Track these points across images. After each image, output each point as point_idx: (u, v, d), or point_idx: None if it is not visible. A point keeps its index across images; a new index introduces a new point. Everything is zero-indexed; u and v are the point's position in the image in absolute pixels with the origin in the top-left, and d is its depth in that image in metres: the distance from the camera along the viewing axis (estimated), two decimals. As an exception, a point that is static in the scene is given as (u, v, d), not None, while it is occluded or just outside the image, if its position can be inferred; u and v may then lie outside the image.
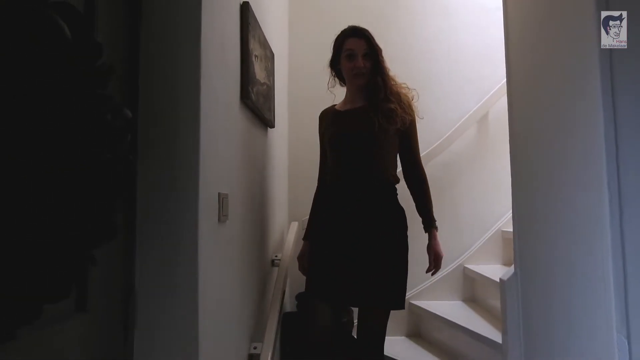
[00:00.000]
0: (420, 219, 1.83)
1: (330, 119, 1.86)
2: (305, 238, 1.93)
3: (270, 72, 2.06)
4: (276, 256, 2.26)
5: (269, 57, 2.04)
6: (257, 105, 1.73)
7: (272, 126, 2.18)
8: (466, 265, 2.81)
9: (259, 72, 1.76)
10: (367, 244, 1.67)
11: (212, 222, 1.22)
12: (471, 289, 2.84)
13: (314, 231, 1.85)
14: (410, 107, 1.79)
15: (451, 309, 2.65)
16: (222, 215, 1.29)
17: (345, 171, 1.75)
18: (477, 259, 2.83)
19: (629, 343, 1.02)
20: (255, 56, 1.70)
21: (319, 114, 1.98)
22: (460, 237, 2.89)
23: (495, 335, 2.11)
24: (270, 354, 1.58)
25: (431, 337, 2.68)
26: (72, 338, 0.89)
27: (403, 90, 1.81)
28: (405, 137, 1.79)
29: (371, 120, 1.70)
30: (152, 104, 1.10)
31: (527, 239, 1.60)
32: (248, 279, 1.69)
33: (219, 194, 1.27)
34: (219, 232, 1.28)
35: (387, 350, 2.49)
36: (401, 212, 1.76)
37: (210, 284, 1.19)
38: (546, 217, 1.43)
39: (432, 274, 1.85)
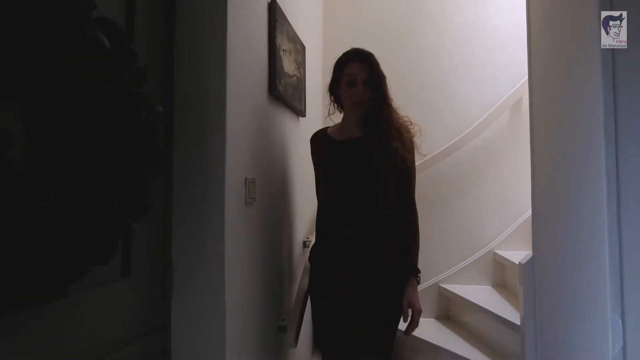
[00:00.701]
0: (408, 262, 1.64)
1: (326, 148, 1.73)
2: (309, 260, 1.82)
3: (300, 64, 2.17)
4: (307, 238, 2.39)
5: (299, 50, 2.15)
6: (285, 96, 1.85)
7: (304, 115, 2.30)
8: (496, 251, 2.84)
9: (287, 65, 1.88)
10: (363, 300, 1.59)
11: (239, 204, 1.36)
12: (501, 274, 2.87)
13: (317, 254, 1.76)
14: (412, 145, 1.66)
15: (480, 293, 2.69)
16: (248, 197, 1.43)
17: (338, 215, 1.65)
18: (508, 245, 2.85)
19: (622, 322, 1.07)
20: (284, 50, 1.82)
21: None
22: (491, 223, 2.92)
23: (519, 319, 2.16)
24: (296, 326, 1.72)
25: (460, 320, 2.74)
26: (120, 299, 1.06)
27: (406, 125, 1.68)
28: (402, 177, 1.64)
29: (370, 156, 1.59)
30: (184, 99, 1.25)
31: (542, 224, 1.64)
32: (277, 256, 1.83)
33: (245, 178, 1.41)
34: (246, 214, 1.42)
35: (417, 332, 2.59)
36: (399, 257, 1.64)
37: (237, 259, 1.33)
38: (557, 203, 1.47)
39: (406, 331, 1.64)
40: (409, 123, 1.70)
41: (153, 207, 0.96)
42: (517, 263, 2.34)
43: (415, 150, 1.68)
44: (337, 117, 1.83)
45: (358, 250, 1.60)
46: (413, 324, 1.61)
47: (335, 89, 1.72)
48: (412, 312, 1.59)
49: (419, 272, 1.63)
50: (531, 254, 1.73)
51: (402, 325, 1.65)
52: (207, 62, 1.26)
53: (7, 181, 0.63)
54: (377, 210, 1.61)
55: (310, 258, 1.78)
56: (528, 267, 1.70)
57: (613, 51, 1.11)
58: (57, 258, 0.70)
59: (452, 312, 2.83)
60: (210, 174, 1.24)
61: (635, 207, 1.08)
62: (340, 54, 3.10)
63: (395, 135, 1.61)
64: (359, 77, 1.62)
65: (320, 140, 1.79)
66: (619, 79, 1.10)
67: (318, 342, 1.74)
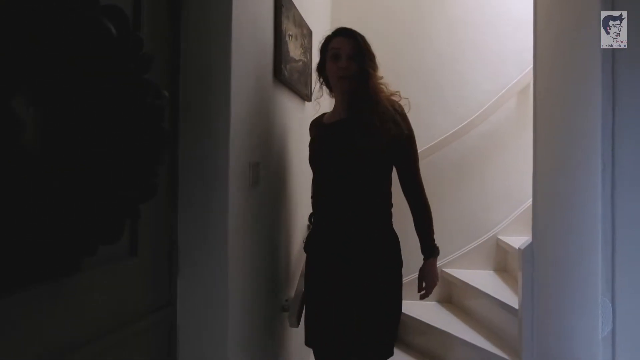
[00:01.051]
0: (419, 243, 1.63)
1: (315, 132, 1.71)
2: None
3: (306, 49, 2.19)
4: (312, 220, 2.43)
5: (306, 34, 2.16)
6: (291, 81, 1.88)
7: (309, 100, 2.32)
8: (499, 237, 2.86)
9: (293, 50, 1.90)
10: (358, 292, 1.52)
11: (243, 187, 1.40)
12: (504, 259, 2.90)
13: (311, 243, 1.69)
14: (405, 119, 1.56)
15: (482, 278, 2.73)
16: (252, 181, 1.46)
17: (329, 202, 1.59)
18: (511, 231, 2.87)
19: (613, 306, 1.11)
20: (290, 35, 1.84)
21: None
22: (496, 209, 2.94)
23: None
24: (298, 306, 1.77)
25: (461, 304, 2.79)
26: (128, 277, 1.11)
27: (395, 101, 1.58)
28: (400, 154, 1.56)
29: (352, 137, 1.50)
30: (190, 84, 1.28)
31: (542, 211, 1.66)
32: (282, 237, 1.87)
33: (249, 162, 1.44)
34: (250, 196, 1.46)
35: (420, 315, 2.64)
36: (394, 248, 1.58)
37: (241, 239, 1.38)
38: (555, 191, 1.49)
39: (421, 298, 1.66)
40: (399, 97, 1.60)
41: (159, 190, 1.00)
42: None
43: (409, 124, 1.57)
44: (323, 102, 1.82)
45: (352, 238, 1.54)
46: (428, 294, 1.64)
47: (323, 70, 1.66)
48: (430, 286, 1.62)
49: (437, 247, 1.62)
50: (530, 240, 1.76)
51: (415, 296, 1.69)
52: (212, 47, 1.28)
53: (22, 163, 0.67)
54: (369, 195, 1.55)
55: (305, 247, 1.73)
56: (527, 253, 1.73)
57: (613, 53, 1.12)
58: (69, 235, 0.75)
59: (454, 295, 2.88)
60: (215, 157, 1.28)
61: (629, 196, 1.10)
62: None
63: (382, 111, 1.50)
64: (343, 51, 1.55)
65: (313, 127, 1.77)
66: (618, 70, 1.11)
67: (310, 339, 1.63)
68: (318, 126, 1.71)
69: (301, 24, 2.06)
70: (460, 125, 2.90)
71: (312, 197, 1.73)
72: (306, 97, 2.23)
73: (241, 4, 1.35)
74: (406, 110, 1.59)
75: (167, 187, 1.26)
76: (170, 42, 1.26)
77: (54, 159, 0.80)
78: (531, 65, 2.86)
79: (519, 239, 2.78)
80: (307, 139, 2.41)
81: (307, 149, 2.37)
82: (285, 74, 1.77)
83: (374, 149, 1.50)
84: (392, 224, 1.60)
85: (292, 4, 1.88)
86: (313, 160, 1.66)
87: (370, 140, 1.48)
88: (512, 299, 2.31)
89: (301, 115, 2.24)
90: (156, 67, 1.09)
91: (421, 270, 1.63)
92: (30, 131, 0.71)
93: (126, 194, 0.90)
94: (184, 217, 1.29)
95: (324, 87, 1.73)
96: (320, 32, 2.73)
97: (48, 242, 0.72)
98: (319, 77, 1.71)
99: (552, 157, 1.56)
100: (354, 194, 1.54)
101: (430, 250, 1.61)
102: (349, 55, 1.54)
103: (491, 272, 2.88)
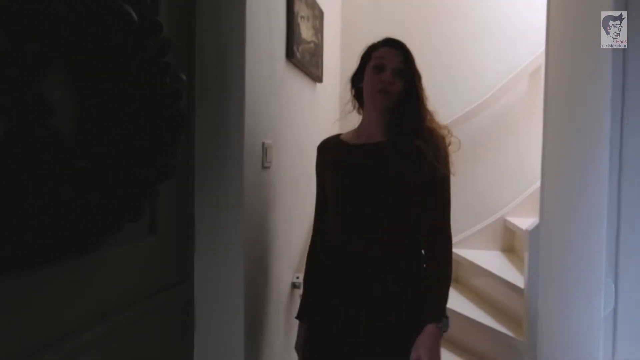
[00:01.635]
0: (427, 303, 1.27)
1: (334, 154, 1.40)
2: (299, 317, 1.46)
3: (318, 30, 2.20)
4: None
5: (317, 15, 2.17)
6: (303, 62, 1.89)
7: (321, 81, 2.34)
8: (507, 218, 2.89)
9: (305, 31, 1.91)
10: (377, 345, 1.27)
11: (256, 168, 1.44)
12: (511, 240, 2.94)
13: (312, 308, 1.43)
14: (446, 158, 1.30)
15: (489, 258, 2.77)
16: (265, 162, 1.50)
17: (350, 235, 1.33)
18: (519, 212, 2.89)
19: (615, 286, 1.14)
20: (302, 17, 1.85)
21: None
22: (504, 190, 2.95)
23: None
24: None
25: (468, 283, 2.84)
26: (147, 254, 1.16)
27: (441, 134, 1.33)
28: (431, 194, 1.29)
29: (390, 163, 1.27)
30: (205, 67, 1.31)
31: (550, 193, 1.69)
32: (293, 217, 1.92)
33: (262, 143, 1.48)
34: (263, 177, 1.50)
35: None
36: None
37: (255, 218, 1.43)
38: (563, 174, 1.51)
39: None
40: (447, 132, 1.34)
41: (176, 171, 1.04)
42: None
43: (450, 166, 1.32)
44: (351, 123, 1.49)
45: (382, 296, 1.28)
46: None
47: (358, 81, 1.39)
48: None
49: (446, 317, 1.25)
50: (538, 222, 1.79)
51: None
52: (227, 31, 1.31)
53: (51, 145, 0.71)
54: (409, 240, 1.32)
55: (303, 313, 1.45)
56: (533, 234, 1.76)
57: (628, 26, 1.13)
58: (97, 213, 0.79)
59: (461, 275, 2.93)
60: (230, 137, 1.31)
61: (636, 180, 1.12)
62: (359, 18, 3.11)
63: (424, 136, 1.28)
64: (389, 63, 1.30)
65: (328, 148, 1.45)
66: (628, 57, 1.12)
67: None
68: (338, 147, 1.40)
69: (313, 5, 2.06)
70: (471, 107, 2.90)
71: (316, 222, 1.49)
72: (317, 78, 2.25)
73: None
74: (455, 150, 1.34)
75: (184, 167, 1.30)
76: (186, 25, 1.28)
77: (82, 140, 0.84)
78: (543, 47, 2.86)
79: (526, 220, 2.81)
80: (319, 119, 2.45)
81: (318, 130, 2.40)
82: (297, 56, 1.79)
83: (419, 180, 1.26)
84: (423, 269, 1.34)
85: (305, -15, 1.88)
86: (336, 188, 1.36)
87: (416, 166, 1.24)
88: (518, 279, 2.35)
89: (312, 97, 2.26)
90: (173, 50, 1.12)
91: (419, 341, 1.23)
92: (60, 113, 0.75)
93: (146, 173, 0.94)
94: (200, 196, 1.33)
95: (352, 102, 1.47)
96: (332, 12, 2.74)
97: (77, 219, 0.77)
98: (352, 89, 1.44)
99: (561, 140, 1.58)
100: (391, 236, 1.30)
101: (437, 315, 1.24)
102: (394, 69, 1.30)
103: (498, 252, 2.92)
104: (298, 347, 1.46)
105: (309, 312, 1.43)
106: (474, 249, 2.92)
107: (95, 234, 0.87)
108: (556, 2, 1.70)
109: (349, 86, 1.45)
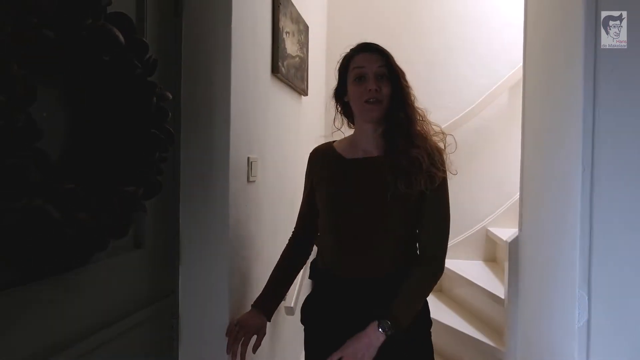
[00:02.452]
0: (392, 308, 1.18)
1: (330, 168, 1.33)
2: (255, 304, 1.37)
3: (303, 44, 2.23)
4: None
5: (302, 30, 2.21)
6: (288, 77, 1.93)
7: (306, 94, 2.37)
8: (489, 228, 2.95)
9: (290, 46, 1.94)
10: None
11: (241, 182, 1.45)
12: (493, 250, 2.99)
13: (269, 303, 1.38)
14: (442, 160, 1.27)
15: (471, 268, 2.82)
16: (251, 176, 1.52)
17: (344, 257, 1.27)
18: (500, 223, 2.95)
19: (588, 298, 1.18)
20: (287, 32, 1.88)
21: None
22: (486, 201, 3.01)
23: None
24: (294, 299, 1.85)
25: (451, 293, 2.88)
26: (133, 269, 1.17)
27: (434, 136, 1.30)
28: (428, 199, 1.24)
29: (387, 185, 1.20)
30: (191, 84, 1.33)
31: (528, 205, 1.74)
32: (278, 230, 1.94)
33: (248, 158, 1.50)
34: (248, 191, 1.52)
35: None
36: (424, 312, 1.28)
37: (240, 231, 1.44)
38: (540, 187, 1.56)
39: None
40: (441, 134, 1.32)
41: (163, 186, 1.06)
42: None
43: (448, 167, 1.29)
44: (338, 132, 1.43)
45: (376, 305, 1.19)
46: None
47: (342, 95, 1.33)
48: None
49: (396, 327, 1.15)
50: (517, 233, 1.83)
51: None
52: (213, 48, 1.33)
53: (38, 166, 0.73)
54: (405, 252, 1.26)
55: (305, 315, 1.40)
56: (513, 245, 1.81)
57: (595, 46, 1.18)
58: (83, 232, 0.80)
59: (444, 285, 2.97)
60: (216, 152, 1.33)
61: (607, 196, 1.17)
62: (344, 32, 3.16)
63: (419, 144, 1.23)
64: (370, 70, 1.23)
65: (321, 157, 1.37)
66: (599, 74, 1.17)
67: None
68: (334, 161, 1.32)
69: (298, 20, 2.10)
70: (453, 120, 2.97)
71: (297, 229, 1.47)
72: (302, 91, 2.28)
73: (241, 4, 1.39)
74: (451, 151, 1.32)
75: (170, 181, 1.31)
76: (172, 44, 1.31)
77: (71, 159, 0.85)
78: (522, 62, 2.94)
79: (508, 231, 2.87)
80: (304, 133, 2.48)
81: (304, 143, 2.43)
82: (282, 71, 1.82)
83: (415, 193, 1.21)
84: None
85: (289, 0, 1.92)
86: (332, 208, 1.29)
87: (411, 182, 1.19)
88: (499, 289, 2.39)
89: (298, 110, 2.29)
90: (159, 69, 1.14)
91: (356, 337, 1.15)
92: (48, 133, 0.76)
93: (134, 191, 0.95)
94: (186, 210, 1.35)
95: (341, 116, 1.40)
96: (317, 25, 2.78)
97: (64, 238, 0.78)
98: (336, 105, 1.37)
99: (538, 153, 1.63)
100: (387, 250, 1.25)
101: (392, 318, 1.15)
102: (376, 74, 1.23)
103: (481, 262, 2.97)
104: (235, 323, 1.33)
105: (265, 305, 1.36)
106: (457, 259, 2.96)
107: (82, 252, 0.88)
108: (532, 19, 1.77)
109: (333, 102, 1.38)
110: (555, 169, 1.42)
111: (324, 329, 1.30)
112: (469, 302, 2.69)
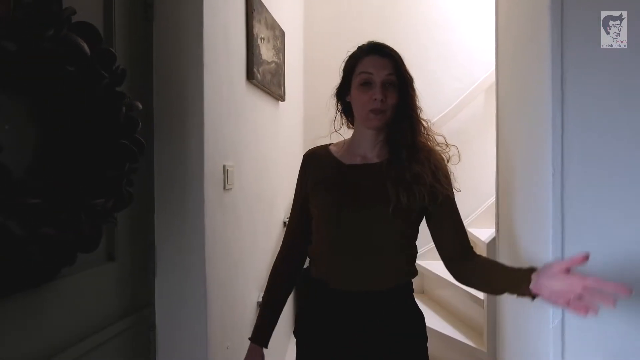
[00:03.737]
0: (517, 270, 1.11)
1: (325, 170, 1.25)
2: (254, 339, 1.28)
3: (279, 50, 2.23)
4: (288, 218, 2.49)
5: (278, 36, 2.20)
6: (264, 83, 1.92)
7: (283, 99, 2.37)
8: (469, 229, 2.97)
9: (265, 52, 1.94)
10: None
11: (217, 190, 1.44)
12: (473, 251, 3.02)
13: (267, 333, 1.29)
14: (446, 175, 1.22)
15: (452, 269, 2.84)
16: (227, 184, 1.51)
17: (340, 268, 1.19)
18: (480, 224, 2.99)
19: (562, 297, 1.20)
20: (262, 39, 1.88)
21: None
22: (466, 202, 3.04)
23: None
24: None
25: (433, 295, 2.90)
26: (105, 282, 1.14)
27: (439, 153, 1.24)
28: (443, 219, 1.21)
29: (388, 197, 1.14)
30: (163, 93, 1.32)
31: (504, 206, 1.76)
32: (258, 237, 1.93)
33: (224, 166, 1.49)
34: (225, 199, 1.51)
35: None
36: (419, 319, 1.24)
37: (217, 240, 1.43)
38: (514, 188, 1.58)
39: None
40: (445, 145, 1.27)
41: (134, 198, 1.04)
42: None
43: (453, 182, 1.24)
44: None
45: (373, 316, 1.18)
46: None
47: (344, 95, 1.25)
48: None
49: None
50: (494, 234, 1.85)
51: None
52: (185, 56, 1.32)
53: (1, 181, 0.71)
54: (392, 267, 1.19)
55: (297, 325, 1.30)
56: (490, 246, 1.83)
57: (562, 46, 1.19)
58: (48, 247, 0.78)
59: (426, 286, 2.99)
60: (190, 161, 1.32)
61: (577, 198, 1.19)
62: (320, 36, 3.18)
63: (422, 158, 1.18)
64: (377, 77, 1.16)
65: (317, 160, 1.29)
66: (566, 78, 1.19)
67: None
68: (331, 166, 1.25)
69: (273, 25, 2.09)
70: (431, 122, 2.99)
71: (287, 237, 1.34)
72: (279, 97, 2.27)
73: (212, 12, 1.38)
74: (455, 162, 1.28)
75: (143, 192, 1.29)
76: (143, 53, 1.29)
77: (36, 173, 0.83)
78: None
79: (487, 231, 2.90)
80: (283, 138, 2.47)
81: (282, 148, 2.42)
82: (258, 77, 1.81)
83: (415, 209, 1.16)
84: (413, 298, 1.26)
85: (264, 7, 1.91)
86: (331, 212, 1.20)
87: (412, 196, 1.14)
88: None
89: (275, 115, 2.28)
90: (130, 78, 1.12)
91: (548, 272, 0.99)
92: (12, 147, 0.74)
93: (103, 204, 0.94)
94: (161, 220, 1.33)
95: (341, 116, 1.32)
96: (293, 31, 2.79)
97: (28, 254, 0.76)
98: (337, 103, 1.29)
99: (512, 155, 1.65)
100: (387, 263, 1.19)
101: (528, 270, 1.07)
102: (384, 82, 1.16)
103: (461, 263, 3.00)
104: None
105: (263, 337, 1.28)
106: (438, 260, 2.93)
107: (48, 268, 0.86)
108: (503, 23, 1.79)
109: (334, 101, 1.29)
110: (528, 170, 1.44)
111: (319, 344, 1.22)
112: (450, 304, 2.71)
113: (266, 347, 1.29)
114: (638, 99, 1.16)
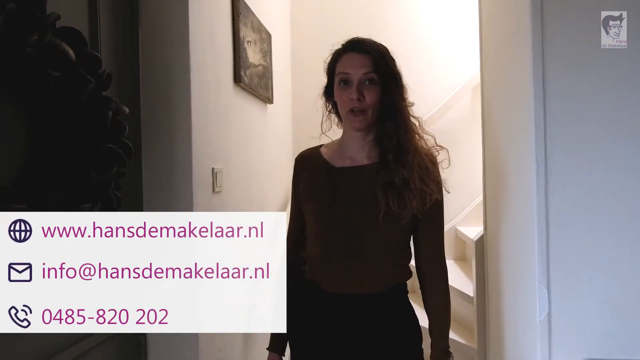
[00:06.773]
0: (432, 339, 1.26)
1: (315, 174, 1.23)
2: (272, 349, 1.28)
3: (266, 53, 2.24)
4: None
5: (265, 39, 2.21)
6: (251, 85, 1.93)
7: (271, 102, 2.37)
8: (458, 228, 3.00)
9: (252, 55, 1.94)
10: None
11: (206, 193, 1.44)
12: (463, 249, 3.05)
13: (283, 342, 1.28)
14: (437, 180, 1.20)
15: (442, 267, 2.86)
16: (216, 186, 1.51)
17: (332, 270, 1.17)
18: (469, 222, 3.01)
19: (548, 292, 1.22)
20: (248, 42, 1.89)
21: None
22: (455, 201, 3.06)
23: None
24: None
25: (424, 293, 2.92)
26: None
27: (430, 153, 1.22)
28: (423, 221, 1.17)
29: (379, 202, 1.12)
30: (150, 96, 1.32)
31: (491, 204, 1.78)
32: (247, 240, 1.93)
33: (212, 168, 1.49)
34: (214, 202, 1.51)
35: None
36: (413, 321, 1.24)
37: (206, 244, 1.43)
38: (500, 186, 1.61)
39: None
40: (436, 147, 1.25)
41: (122, 202, 1.04)
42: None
43: (442, 186, 1.22)
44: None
45: (367, 320, 1.17)
46: None
47: (332, 94, 1.22)
48: None
49: (451, 354, 1.24)
50: (482, 232, 1.88)
51: None
52: (171, 59, 1.32)
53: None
54: (384, 271, 1.18)
55: (273, 344, 1.29)
56: (479, 244, 1.85)
57: (543, 42, 1.21)
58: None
59: (416, 284, 3.00)
60: (178, 166, 1.32)
61: (560, 194, 1.21)
62: (308, 38, 3.19)
63: (410, 162, 1.14)
64: (354, 75, 1.13)
65: (309, 163, 1.26)
66: (548, 76, 1.21)
67: None
68: (321, 169, 1.22)
69: (260, 28, 2.10)
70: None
71: (290, 237, 1.30)
72: (267, 99, 2.28)
73: (197, 16, 1.39)
74: (446, 166, 1.27)
75: (132, 195, 1.29)
76: (129, 53, 1.29)
77: (23, 178, 0.83)
78: (483, 64, 3.01)
79: (476, 229, 2.92)
80: (271, 141, 2.47)
81: (271, 150, 2.43)
82: (245, 80, 1.82)
83: (406, 216, 1.13)
84: (407, 299, 1.26)
85: (250, 10, 1.92)
86: (322, 217, 1.19)
87: (402, 203, 1.11)
88: (469, 287, 2.44)
89: (263, 118, 2.29)
90: (116, 82, 1.13)
91: None
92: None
93: (90, 208, 0.94)
94: (149, 225, 1.33)
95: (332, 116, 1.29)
96: (280, 33, 2.79)
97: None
98: (327, 103, 1.26)
99: (498, 152, 1.68)
100: (378, 267, 1.17)
101: (445, 350, 1.25)
102: (361, 81, 1.13)
103: (451, 261, 3.02)
104: None
105: (282, 346, 1.27)
106: (428, 259, 3.00)
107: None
108: (486, 23, 1.82)
109: (322, 101, 1.27)
110: (513, 167, 1.46)
111: (312, 346, 1.21)
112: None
113: (284, 355, 1.28)
114: (625, 99, 1.19)
